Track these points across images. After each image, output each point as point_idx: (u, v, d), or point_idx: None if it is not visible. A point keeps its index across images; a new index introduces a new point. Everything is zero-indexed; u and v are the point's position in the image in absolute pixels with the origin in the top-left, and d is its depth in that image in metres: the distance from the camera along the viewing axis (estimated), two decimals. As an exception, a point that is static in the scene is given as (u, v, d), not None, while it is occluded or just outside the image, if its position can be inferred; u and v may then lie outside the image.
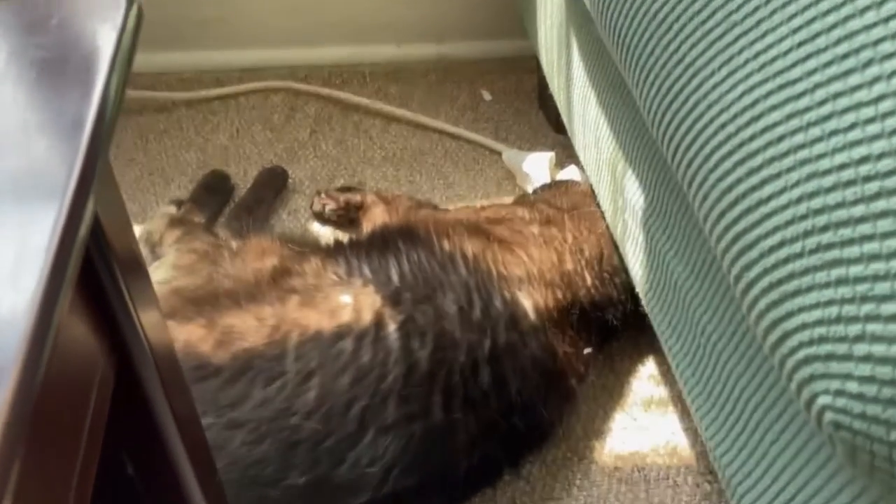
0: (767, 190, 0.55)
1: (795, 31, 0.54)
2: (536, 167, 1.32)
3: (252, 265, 1.01)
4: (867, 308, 0.48)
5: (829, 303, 0.50)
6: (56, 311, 0.29)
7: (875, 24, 0.50)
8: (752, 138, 0.56)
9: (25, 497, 0.31)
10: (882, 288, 0.48)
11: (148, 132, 1.40)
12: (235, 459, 0.85)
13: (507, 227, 1.09)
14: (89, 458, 0.41)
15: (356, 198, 1.27)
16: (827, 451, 0.61)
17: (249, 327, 0.91)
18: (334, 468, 0.86)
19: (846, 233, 0.49)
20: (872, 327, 0.48)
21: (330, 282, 0.97)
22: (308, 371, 0.88)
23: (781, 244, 0.53)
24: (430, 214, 1.19)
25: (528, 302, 0.98)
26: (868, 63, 0.50)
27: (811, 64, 0.53)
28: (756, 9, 0.57)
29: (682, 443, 1.07)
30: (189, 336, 0.90)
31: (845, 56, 0.51)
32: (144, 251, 1.12)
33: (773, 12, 0.56)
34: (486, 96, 1.51)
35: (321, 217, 1.29)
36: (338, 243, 1.08)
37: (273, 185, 1.32)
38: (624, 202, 0.96)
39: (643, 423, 1.08)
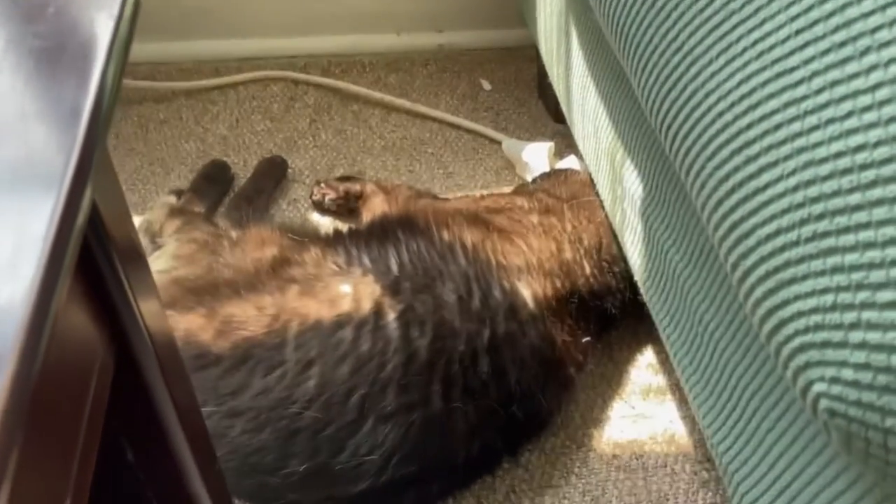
0: (764, 178, 0.55)
1: (793, 19, 0.54)
2: (536, 157, 1.32)
3: (252, 255, 1.01)
4: (863, 296, 0.48)
5: (825, 291, 0.50)
6: (54, 299, 0.29)
7: (872, 12, 0.50)
8: (749, 127, 0.56)
9: (25, 484, 0.31)
10: (877, 276, 0.48)
11: (147, 122, 1.40)
12: (236, 448, 0.86)
13: (506, 216, 1.09)
14: (89, 446, 0.41)
15: (356, 187, 1.27)
16: (823, 439, 0.62)
17: (249, 317, 0.91)
18: (334, 456, 0.87)
19: (842, 221, 0.49)
20: (868, 315, 0.48)
21: (329, 271, 0.97)
22: (308, 360, 0.88)
23: (778, 232, 0.54)
24: (430, 204, 1.19)
25: (528, 291, 0.98)
26: (865, 51, 0.50)
27: (809, 52, 0.53)
28: (754, -3, 0.57)
29: (679, 431, 1.07)
30: (189, 325, 0.90)
31: (843, 44, 0.51)
32: (144, 241, 1.13)
33: (772, 0, 0.56)
34: (486, 86, 1.51)
35: (321, 207, 1.29)
36: (337, 233, 1.08)
37: (273, 174, 1.32)
38: (623, 191, 0.96)
39: (641, 412, 1.09)
